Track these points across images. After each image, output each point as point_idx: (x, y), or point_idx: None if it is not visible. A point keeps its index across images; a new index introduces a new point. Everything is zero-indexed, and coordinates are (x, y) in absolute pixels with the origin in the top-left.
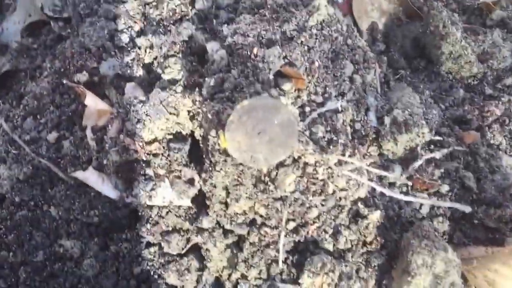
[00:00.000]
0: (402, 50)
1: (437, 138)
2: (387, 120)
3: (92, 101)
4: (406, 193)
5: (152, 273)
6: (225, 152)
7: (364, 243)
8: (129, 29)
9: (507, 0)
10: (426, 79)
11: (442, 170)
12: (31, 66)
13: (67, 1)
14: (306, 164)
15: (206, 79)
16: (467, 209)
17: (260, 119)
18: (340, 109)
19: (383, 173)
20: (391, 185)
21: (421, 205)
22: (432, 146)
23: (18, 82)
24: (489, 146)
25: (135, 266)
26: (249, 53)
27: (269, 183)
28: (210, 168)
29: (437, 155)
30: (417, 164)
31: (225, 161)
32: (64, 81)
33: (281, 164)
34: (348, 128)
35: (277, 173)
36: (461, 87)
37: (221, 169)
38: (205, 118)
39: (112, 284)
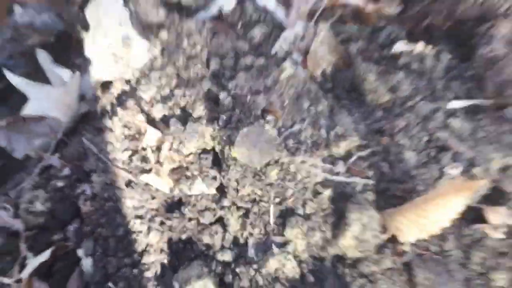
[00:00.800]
0: (343, 87)
1: (364, 142)
2: (332, 134)
3: (150, 130)
4: (347, 177)
5: (193, 238)
6: (234, 159)
7: (322, 209)
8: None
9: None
10: (358, 106)
11: (368, 163)
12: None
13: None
14: (282, 163)
15: (220, 115)
16: (370, 181)
17: (254, 139)
18: (302, 129)
19: (331, 166)
20: (337, 173)
21: (356, 185)
22: (361, 148)
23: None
24: (397, 146)
25: (182, 233)
26: (245, 99)
27: (262, 175)
28: (226, 169)
29: (364, 153)
30: (352, 160)
31: (235, 164)
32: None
33: (268, 164)
34: (308, 140)
35: (266, 169)
36: (379, 109)
37: (233, 169)
38: (221, 139)
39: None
